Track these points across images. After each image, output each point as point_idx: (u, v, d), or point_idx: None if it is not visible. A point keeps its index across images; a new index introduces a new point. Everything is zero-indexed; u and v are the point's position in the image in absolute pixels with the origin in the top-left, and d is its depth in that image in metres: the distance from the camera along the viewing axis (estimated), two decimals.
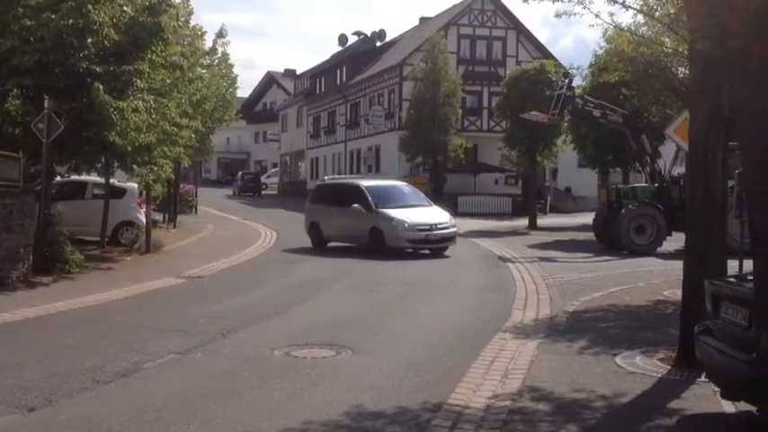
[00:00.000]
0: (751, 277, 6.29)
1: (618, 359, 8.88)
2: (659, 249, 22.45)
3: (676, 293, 11.01)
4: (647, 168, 24.53)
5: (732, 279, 7.35)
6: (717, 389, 7.02)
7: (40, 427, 6.40)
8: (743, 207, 8.85)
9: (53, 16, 15.60)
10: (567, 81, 28.52)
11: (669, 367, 8.44)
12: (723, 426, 6.78)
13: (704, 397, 7.34)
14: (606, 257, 21.24)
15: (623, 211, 23.11)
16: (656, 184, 23.89)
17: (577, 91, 32.35)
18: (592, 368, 8.52)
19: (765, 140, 5.43)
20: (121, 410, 6.80)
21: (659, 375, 8.19)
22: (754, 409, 6.25)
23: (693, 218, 8.74)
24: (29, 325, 10.84)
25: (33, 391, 7.31)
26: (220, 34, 29.04)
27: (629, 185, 25.25)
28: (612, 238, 23.19)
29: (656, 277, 16.17)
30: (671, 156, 25.61)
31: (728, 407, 6.95)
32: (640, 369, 8.45)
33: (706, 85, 8.47)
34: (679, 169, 24.13)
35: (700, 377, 7.62)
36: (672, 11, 12.15)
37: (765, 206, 5.41)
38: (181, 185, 32.80)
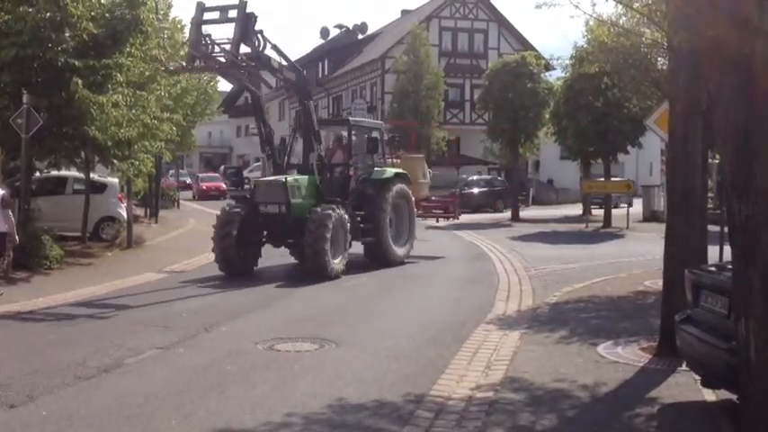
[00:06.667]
0: (731, 266, 6.32)
1: (599, 349, 8.93)
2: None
3: (657, 283, 11.08)
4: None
5: (712, 268, 7.40)
6: (697, 377, 7.08)
7: (20, 423, 6.35)
8: (722, 197, 8.91)
9: (30, 9, 15.45)
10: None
11: (650, 356, 8.51)
12: (703, 414, 6.82)
13: (685, 385, 7.39)
14: (586, 247, 21.36)
15: (313, 216, 14.99)
16: (320, 176, 16.29)
17: (558, 83, 32.40)
18: (574, 358, 8.57)
19: (741, 130, 5.45)
20: (103, 406, 6.77)
21: (640, 364, 8.24)
22: (734, 397, 6.29)
23: (673, 207, 8.80)
24: (9, 321, 10.74)
25: (14, 387, 7.25)
26: None
27: (293, 177, 16.23)
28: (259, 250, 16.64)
29: (637, 267, 16.27)
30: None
31: (709, 395, 7.02)
32: (622, 358, 8.51)
33: (685, 76, 8.52)
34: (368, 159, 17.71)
35: (680, 366, 7.68)
36: (650, 1, 12.18)
37: (741, 194, 5.42)
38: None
